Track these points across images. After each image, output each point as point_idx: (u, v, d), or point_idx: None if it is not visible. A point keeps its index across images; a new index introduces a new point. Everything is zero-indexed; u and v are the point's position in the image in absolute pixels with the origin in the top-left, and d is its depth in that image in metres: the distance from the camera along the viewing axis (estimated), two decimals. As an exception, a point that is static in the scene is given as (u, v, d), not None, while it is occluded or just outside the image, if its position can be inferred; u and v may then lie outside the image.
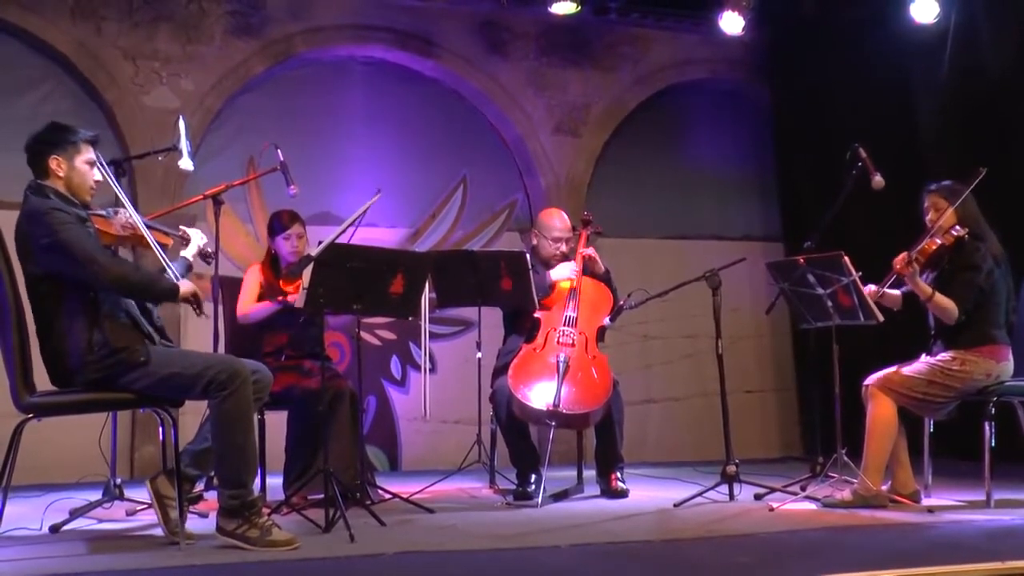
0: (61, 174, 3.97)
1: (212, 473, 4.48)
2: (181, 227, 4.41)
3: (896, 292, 5.01)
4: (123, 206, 4.12)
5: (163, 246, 4.14)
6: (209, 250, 4.41)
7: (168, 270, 4.09)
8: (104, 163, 4.10)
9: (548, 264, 5.54)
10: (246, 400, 3.88)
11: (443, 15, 7.28)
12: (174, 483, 3.95)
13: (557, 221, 5.59)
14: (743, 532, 4.22)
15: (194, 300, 4.02)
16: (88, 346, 3.82)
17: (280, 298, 5.04)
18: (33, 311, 3.90)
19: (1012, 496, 4.92)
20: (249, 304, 5.14)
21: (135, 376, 3.86)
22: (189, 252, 4.32)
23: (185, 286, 4.00)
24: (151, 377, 3.87)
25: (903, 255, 4.72)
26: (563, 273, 5.42)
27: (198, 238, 4.34)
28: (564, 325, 5.27)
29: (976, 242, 4.75)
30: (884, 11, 6.80)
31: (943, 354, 4.75)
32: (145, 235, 4.06)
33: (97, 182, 4.07)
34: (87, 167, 4.02)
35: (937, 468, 5.14)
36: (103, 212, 4.11)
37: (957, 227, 4.75)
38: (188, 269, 4.31)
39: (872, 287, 4.89)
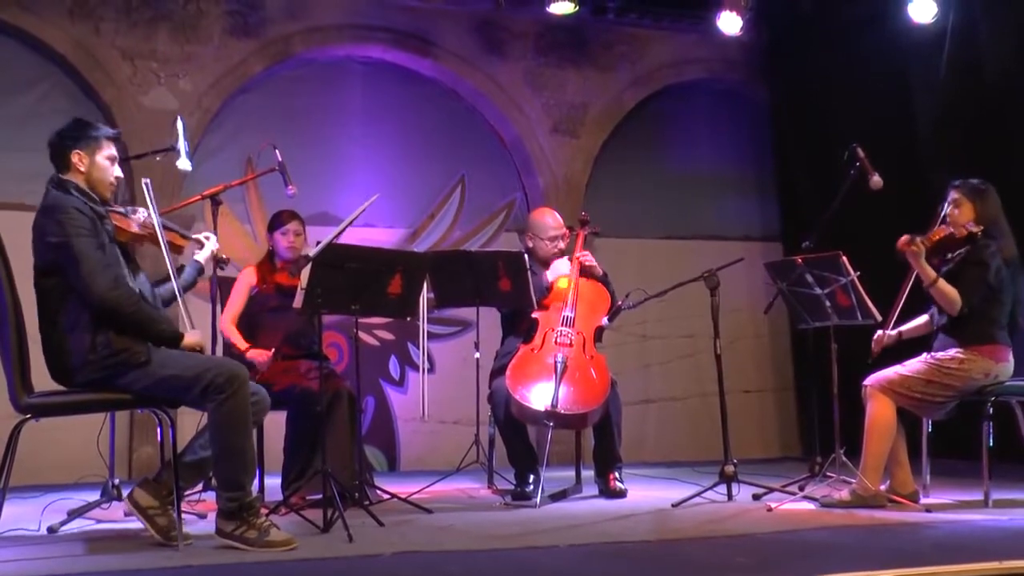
0: (82, 169, 3.99)
1: (205, 480, 4.48)
2: (205, 232, 4.41)
3: (921, 321, 4.99)
4: (143, 205, 4.14)
5: (178, 248, 4.15)
6: (224, 256, 4.39)
7: (172, 279, 4.11)
8: (150, 196, 4.10)
9: (547, 264, 5.54)
10: (244, 403, 3.87)
11: (441, 15, 7.28)
12: (152, 491, 3.93)
13: (550, 219, 5.59)
14: (741, 532, 4.22)
15: (200, 351, 4.01)
16: (91, 345, 3.82)
17: (276, 280, 5.14)
18: (38, 304, 3.91)
19: (1010, 496, 4.92)
20: (231, 318, 5.19)
21: (134, 377, 3.86)
22: (202, 255, 4.31)
23: (191, 337, 3.97)
24: (150, 378, 3.86)
25: (906, 237, 4.71)
26: (559, 270, 5.41)
27: (212, 243, 4.34)
28: (562, 325, 5.26)
29: (988, 240, 4.75)
30: (882, 11, 6.81)
31: (943, 352, 4.75)
32: (160, 238, 4.07)
33: (117, 178, 4.09)
34: (108, 163, 4.04)
35: (935, 468, 5.15)
36: (122, 210, 4.13)
37: (972, 223, 4.75)
38: (199, 272, 4.30)
39: (879, 332, 4.88)
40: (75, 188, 3.95)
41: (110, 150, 4.05)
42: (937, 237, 4.73)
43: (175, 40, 6.71)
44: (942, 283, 4.68)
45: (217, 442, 3.88)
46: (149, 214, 4.11)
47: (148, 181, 4.13)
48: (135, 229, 4.10)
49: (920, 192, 5.02)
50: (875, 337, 4.96)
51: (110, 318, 3.84)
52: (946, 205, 4.85)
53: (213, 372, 3.86)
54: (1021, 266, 4.82)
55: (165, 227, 4.15)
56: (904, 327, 4.99)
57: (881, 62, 6.97)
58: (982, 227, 4.75)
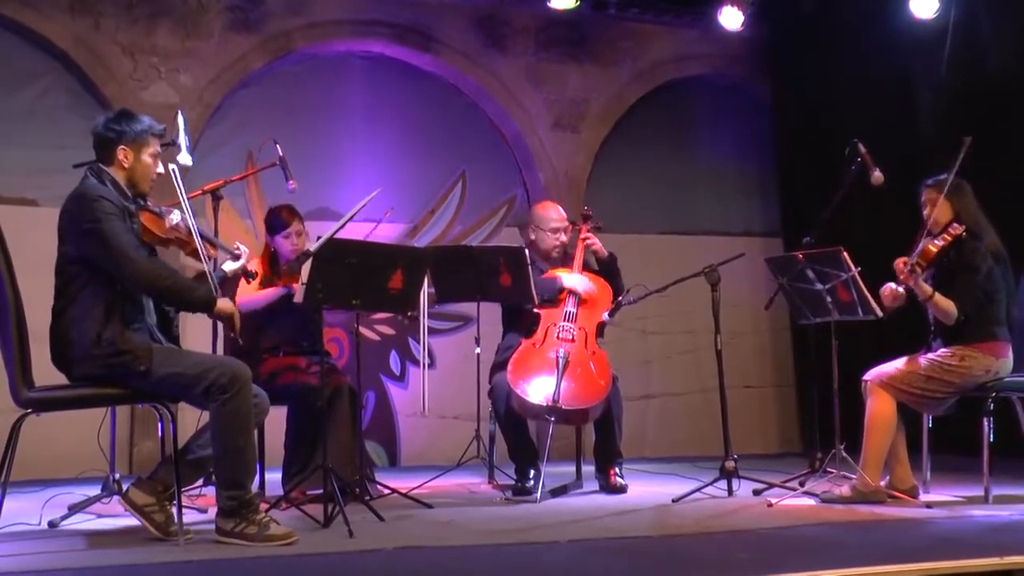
0: (126, 165, 4.00)
1: (203, 477, 4.47)
2: (237, 244, 4.38)
3: (900, 289, 4.99)
4: (179, 208, 4.10)
5: (208, 257, 4.12)
6: (251, 269, 4.36)
7: (210, 279, 4.07)
8: (179, 176, 4.06)
9: (548, 256, 5.54)
10: (246, 403, 3.87)
11: (442, 10, 7.27)
12: (148, 489, 3.94)
13: (553, 212, 5.60)
14: (742, 528, 4.23)
15: (228, 320, 4.02)
16: (96, 340, 3.82)
17: (281, 283, 5.01)
18: (56, 290, 3.91)
19: (1010, 492, 4.93)
20: (249, 292, 5.11)
21: (133, 380, 3.86)
22: (230, 266, 4.29)
23: (224, 303, 3.99)
24: (151, 378, 3.86)
25: (902, 263, 4.69)
26: (575, 284, 5.37)
27: (244, 257, 4.31)
28: (564, 320, 5.27)
29: (974, 241, 4.74)
30: (884, 6, 6.80)
31: (943, 350, 4.75)
32: (195, 241, 4.03)
33: (159, 174, 4.08)
34: (151, 160, 4.04)
35: (935, 464, 5.15)
36: (156, 209, 4.09)
37: (955, 224, 4.75)
38: (223, 281, 4.29)
39: (891, 285, 4.77)
40: (111, 181, 3.96)
41: (155, 147, 4.05)
42: (931, 254, 4.70)
43: (176, 35, 6.70)
44: (938, 297, 4.67)
45: (218, 442, 3.88)
46: (184, 217, 4.07)
47: (175, 167, 4.08)
48: (164, 230, 4.06)
49: (919, 188, 5.01)
50: (883, 291, 4.81)
51: (148, 291, 3.88)
52: (923, 206, 4.84)
53: (216, 372, 3.86)
54: (1009, 258, 4.81)
55: (201, 235, 4.10)
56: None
57: (883, 58, 6.95)
58: (965, 226, 4.74)
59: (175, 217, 4.10)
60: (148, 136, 4.03)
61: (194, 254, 4.08)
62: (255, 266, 5.14)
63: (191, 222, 4.06)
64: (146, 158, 4.02)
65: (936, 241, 4.74)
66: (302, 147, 6.48)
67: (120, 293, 3.87)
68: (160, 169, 4.09)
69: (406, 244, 6.84)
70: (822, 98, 7.38)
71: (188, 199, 4.07)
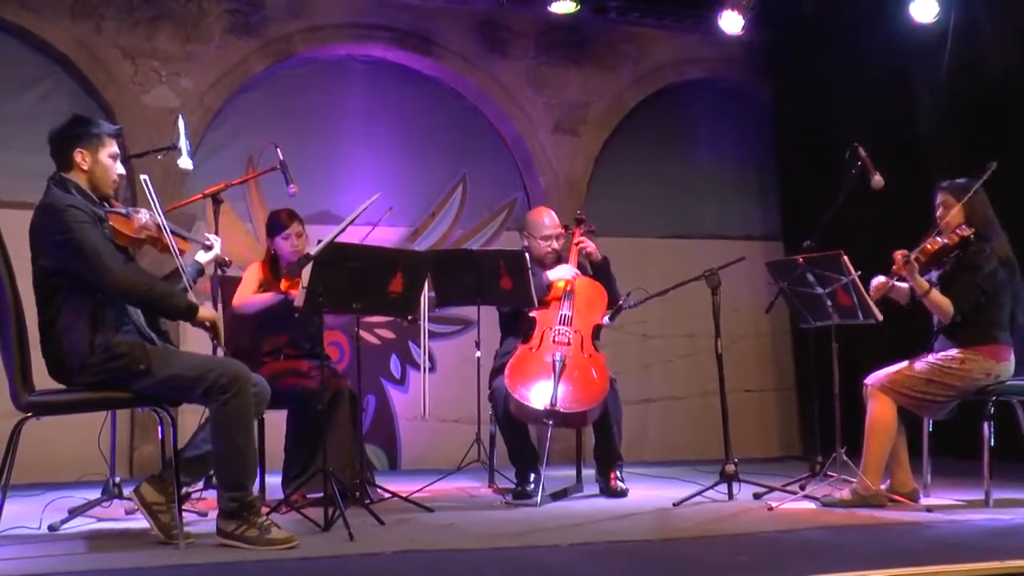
0: (85, 167, 3.97)
1: (208, 475, 4.48)
2: (207, 235, 4.39)
3: (904, 285, 4.99)
4: (144, 206, 4.09)
5: (180, 251, 4.10)
6: (226, 259, 4.39)
7: (183, 276, 4.06)
8: (151, 191, 4.03)
9: (542, 263, 5.54)
10: (246, 404, 3.87)
11: (443, 14, 7.28)
12: (159, 488, 3.94)
13: (546, 219, 5.59)
14: (742, 531, 4.22)
15: (211, 328, 3.99)
16: (90, 349, 3.81)
17: (281, 287, 5.01)
18: (38, 305, 3.90)
19: (1011, 495, 4.93)
20: (247, 295, 5.12)
21: (135, 381, 3.86)
22: (204, 257, 4.29)
23: (207, 311, 3.98)
24: (152, 379, 3.86)
25: (900, 254, 4.71)
26: (561, 274, 5.41)
27: (216, 247, 4.31)
28: (559, 324, 5.27)
29: (981, 243, 4.74)
30: (884, 10, 6.80)
31: (943, 352, 4.75)
32: (166, 238, 4.02)
33: (120, 175, 4.07)
34: (110, 161, 4.02)
35: (936, 467, 5.14)
36: (123, 211, 4.07)
37: (964, 226, 4.75)
38: (199, 273, 4.29)
39: (882, 278, 4.83)
40: (76, 188, 3.94)
41: (112, 147, 4.03)
42: (931, 250, 4.71)
43: (176, 39, 6.71)
44: (934, 293, 4.68)
45: (219, 442, 3.88)
46: (152, 214, 4.07)
47: (147, 177, 4.07)
48: (134, 230, 4.04)
49: (921, 192, 5.01)
50: (874, 284, 4.84)
51: (126, 299, 3.86)
52: (936, 207, 4.85)
53: (216, 372, 3.85)
54: (1019, 264, 4.81)
55: (172, 231, 4.08)
56: (894, 281, 4.88)
57: (883, 62, 6.96)
58: (974, 229, 4.74)
59: (143, 216, 4.08)
60: (103, 136, 4.01)
61: (166, 250, 4.08)
62: (261, 274, 5.13)
63: (161, 219, 4.04)
64: (104, 159, 4.00)
65: (940, 238, 4.73)
66: (303, 151, 6.49)
67: (101, 300, 3.86)
68: (121, 170, 4.07)
69: (406, 248, 6.84)
70: (822, 101, 7.40)
71: (160, 205, 4.07)
